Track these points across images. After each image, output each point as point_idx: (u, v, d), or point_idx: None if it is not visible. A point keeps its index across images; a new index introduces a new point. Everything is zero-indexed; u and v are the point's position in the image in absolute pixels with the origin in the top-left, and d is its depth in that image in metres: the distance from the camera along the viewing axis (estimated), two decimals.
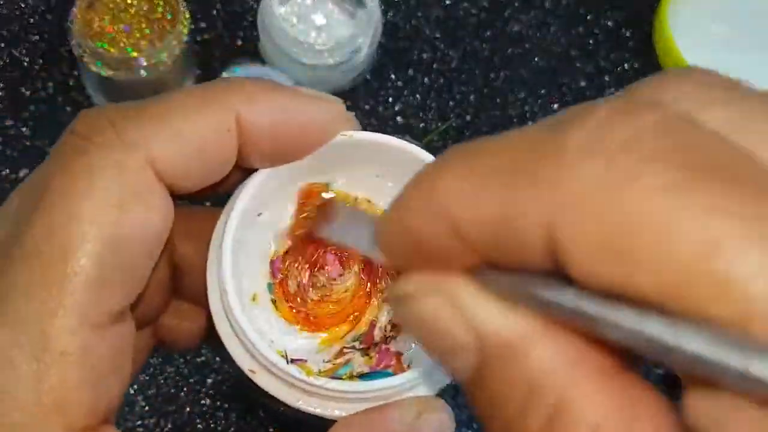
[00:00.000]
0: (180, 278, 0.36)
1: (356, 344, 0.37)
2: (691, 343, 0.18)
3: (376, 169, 0.37)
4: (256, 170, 0.34)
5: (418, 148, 0.36)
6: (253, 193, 0.34)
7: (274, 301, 0.37)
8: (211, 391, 0.74)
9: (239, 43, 0.84)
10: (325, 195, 0.37)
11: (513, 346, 0.22)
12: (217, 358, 0.74)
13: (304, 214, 0.36)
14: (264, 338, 0.34)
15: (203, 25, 0.84)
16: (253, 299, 0.37)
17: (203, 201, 0.35)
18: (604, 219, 0.19)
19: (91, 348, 0.28)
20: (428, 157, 0.35)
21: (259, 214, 0.36)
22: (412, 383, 0.33)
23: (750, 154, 0.19)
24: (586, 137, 0.20)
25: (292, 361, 0.34)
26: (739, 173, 0.19)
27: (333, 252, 0.38)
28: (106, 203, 0.28)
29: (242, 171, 0.33)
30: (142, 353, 0.38)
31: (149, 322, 0.37)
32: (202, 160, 0.31)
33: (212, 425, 0.74)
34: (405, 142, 0.36)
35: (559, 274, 0.21)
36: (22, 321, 0.27)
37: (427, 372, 0.34)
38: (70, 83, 0.81)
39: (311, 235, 0.36)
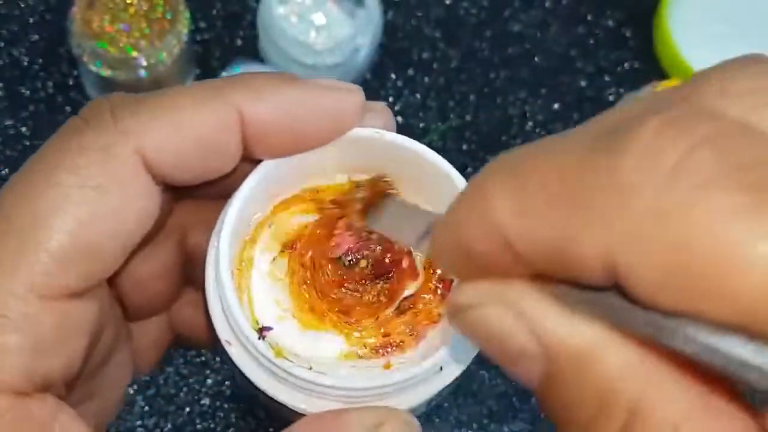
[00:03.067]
0: (193, 268, 0.36)
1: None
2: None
3: (402, 177, 0.35)
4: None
5: (454, 170, 0.33)
6: (257, 181, 0.33)
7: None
8: (211, 391, 0.74)
9: (239, 43, 0.84)
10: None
11: (582, 354, 0.21)
12: (217, 359, 0.74)
13: (355, 203, 0.35)
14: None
15: (203, 24, 0.84)
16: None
17: (221, 195, 0.35)
18: (667, 249, 0.18)
19: (34, 317, 0.28)
20: (461, 181, 0.33)
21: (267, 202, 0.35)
22: (383, 390, 0.31)
23: None
24: (638, 160, 0.19)
25: (261, 332, 0.32)
26: None
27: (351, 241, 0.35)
28: (85, 182, 0.29)
29: (255, 164, 0.33)
30: (158, 344, 0.38)
31: (160, 310, 0.37)
32: (200, 153, 0.31)
33: (212, 425, 0.73)
34: (441, 158, 0.34)
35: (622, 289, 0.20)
36: None
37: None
38: (70, 83, 0.81)
39: (350, 226, 0.34)
